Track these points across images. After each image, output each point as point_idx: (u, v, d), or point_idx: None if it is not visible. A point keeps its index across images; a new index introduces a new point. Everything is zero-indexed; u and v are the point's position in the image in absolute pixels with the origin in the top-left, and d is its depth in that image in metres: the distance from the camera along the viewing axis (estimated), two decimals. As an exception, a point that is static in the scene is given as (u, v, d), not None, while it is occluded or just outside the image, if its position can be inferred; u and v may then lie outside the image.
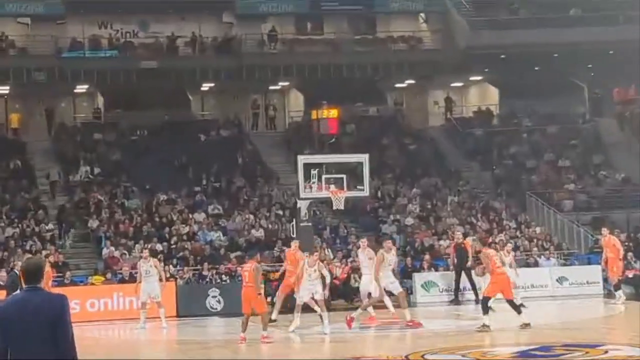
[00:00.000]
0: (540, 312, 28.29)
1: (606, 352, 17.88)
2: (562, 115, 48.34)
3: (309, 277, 22.89)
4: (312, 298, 23.04)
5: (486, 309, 21.69)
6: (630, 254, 35.01)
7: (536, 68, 47.35)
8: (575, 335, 20.96)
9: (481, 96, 51.89)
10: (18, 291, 8.68)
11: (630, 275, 33.72)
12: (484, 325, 21.60)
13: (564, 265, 35.41)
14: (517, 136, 47.20)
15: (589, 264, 34.94)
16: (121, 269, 32.23)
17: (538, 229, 38.74)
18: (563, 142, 46.72)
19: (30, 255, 28.00)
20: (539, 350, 18.57)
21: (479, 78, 50.92)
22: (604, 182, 43.68)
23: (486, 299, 21.94)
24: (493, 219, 39.56)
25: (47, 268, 22.36)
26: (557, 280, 33.21)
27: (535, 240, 37.39)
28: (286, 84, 49.16)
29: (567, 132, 47.34)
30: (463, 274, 31.13)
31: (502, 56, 46.68)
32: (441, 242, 36.84)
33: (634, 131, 46.82)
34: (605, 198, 42.22)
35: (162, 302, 26.14)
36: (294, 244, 26.89)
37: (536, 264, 34.99)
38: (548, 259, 35.33)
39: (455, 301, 31.03)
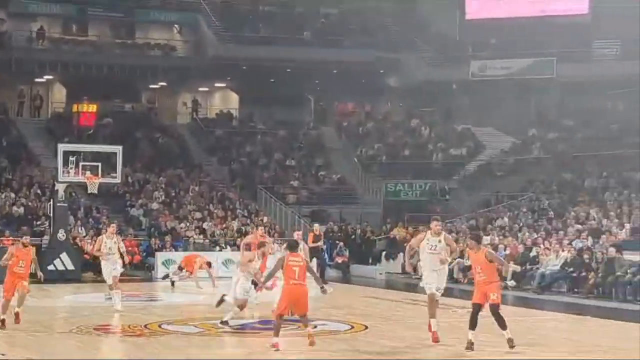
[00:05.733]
0: (263, 291, 28.77)
1: (315, 327, 18.40)
2: (291, 122, 49.13)
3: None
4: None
5: None
6: (341, 243, 36.16)
7: (272, 80, 47.99)
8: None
9: (224, 101, 52.17)
10: None
11: (340, 261, 34.88)
12: None
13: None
14: (252, 137, 47.61)
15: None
16: None
17: (265, 218, 39.32)
18: (291, 145, 47.56)
19: None
20: (260, 323, 18.91)
21: (222, 85, 51.26)
22: (323, 181, 44.79)
23: None
24: (228, 207, 39.93)
25: None
26: (277, 263, 33.76)
27: (263, 228, 37.95)
28: (51, 77, 47.80)
29: (295, 137, 48.19)
30: None
31: (244, 67, 47.13)
32: (181, 225, 36.91)
33: (350, 139, 48.32)
34: (323, 194, 43.35)
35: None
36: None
37: (262, 248, 35.51)
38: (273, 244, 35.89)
39: None
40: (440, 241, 16.00)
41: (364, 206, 42.14)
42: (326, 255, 35.43)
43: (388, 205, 42.02)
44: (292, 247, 15.99)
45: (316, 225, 31.28)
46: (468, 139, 47.53)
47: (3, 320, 17.68)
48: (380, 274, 33.46)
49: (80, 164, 29.57)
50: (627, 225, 30.68)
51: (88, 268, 30.57)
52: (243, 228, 37.69)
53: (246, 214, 39.63)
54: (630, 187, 35.98)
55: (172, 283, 28.37)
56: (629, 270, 25.16)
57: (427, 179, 43.53)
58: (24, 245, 18.39)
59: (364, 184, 44.76)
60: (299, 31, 48.47)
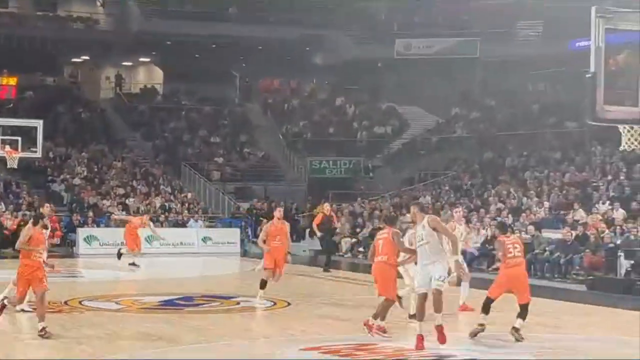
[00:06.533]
0: (186, 267, 28.75)
1: (238, 303, 18.43)
2: (216, 98, 48.89)
3: None
4: None
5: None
6: (265, 220, 36.10)
7: (197, 55, 47.64)
8: (214, 288, 21.36)
9: (148, 76, 51.72)
10: None
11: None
12: None
13: (209, 226, 36.05)
14: (177, 113, 47.30)
15: (230, 226, 35.76)
16: None
17: (189, 195, 39.18)
18: (216, 121, 47.34)
19: None
20: (182, 300, 18.84)
21: (147, 60, 50.77)
22: (248, 158, 44.68)
23: None
24: (151, 183, 39.63)
25: None
26: (202, 240, 33.78)
27: (186, 204, 37.81)
28: (-30, 50, 46.86)
29: (220, 113, 48.01)
30: None
31: (168, 42, 46.68)
32: (104, 201, 36.55)
33: (275, 116, 48.25)
34: (248, 171, 43.29)
35: None
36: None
37: (185, 225, 35.43)
38: (196, 220, 35.85)
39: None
40: (424, 227, 13.01)
41: (289, 183, 42.19)
42: (250, 232, 35.46)
43: (313, 183, 42.13)
44: (389, 221, 14.18)
45: (326, 205, 28.22)
46: (393, 118, 47.81)
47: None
48: (304, 251, 33.56)
49: (0, 137, 29.17)
50: (546, 204, 31.16)
51: (7, 245, 30.08)
52: (166, 204, 37.48)
53: (170, 191, 39.40)
54: (550, 166, 36.53)
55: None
56: (547, 248, 25.58)
57: (351, 156, 43.80)
58: (44, 227, 14.90)
59: (289, 161, 44.82)
60: (225, 7, 48.09)
